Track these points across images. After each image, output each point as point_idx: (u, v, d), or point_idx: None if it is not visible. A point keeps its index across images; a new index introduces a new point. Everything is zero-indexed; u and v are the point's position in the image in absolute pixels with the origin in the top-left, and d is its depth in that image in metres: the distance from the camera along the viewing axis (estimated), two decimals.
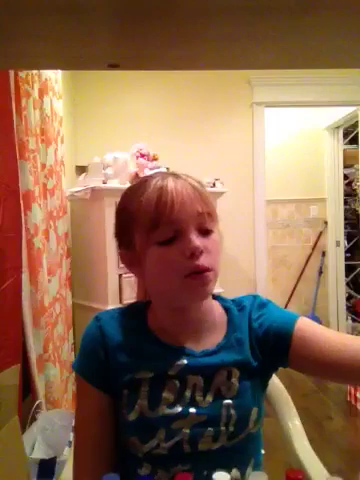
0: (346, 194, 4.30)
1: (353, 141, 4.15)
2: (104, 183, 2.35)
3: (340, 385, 2.95)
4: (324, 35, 0.71)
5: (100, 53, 0.79)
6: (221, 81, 3.20)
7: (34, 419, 1.67)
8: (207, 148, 3.24)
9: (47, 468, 1.45)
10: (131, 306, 0.83)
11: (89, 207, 2.40)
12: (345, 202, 4.27)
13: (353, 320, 4.16)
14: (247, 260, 3.36)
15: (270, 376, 0.82)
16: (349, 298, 4.34)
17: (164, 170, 2.30)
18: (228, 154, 3.29)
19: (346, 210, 4.28)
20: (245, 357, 0.74)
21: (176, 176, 0.71)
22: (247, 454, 0.75)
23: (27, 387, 1.71)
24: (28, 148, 1.72)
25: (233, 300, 0.82)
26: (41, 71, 1.90)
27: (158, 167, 2.42)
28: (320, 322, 3.95)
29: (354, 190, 4.36)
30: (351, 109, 3.63)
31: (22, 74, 1.68)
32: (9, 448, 1.20)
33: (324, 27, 0.67)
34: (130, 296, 2.22)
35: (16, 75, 1.63)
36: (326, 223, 4.21)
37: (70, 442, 1.57)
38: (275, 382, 1.03)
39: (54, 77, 2.14)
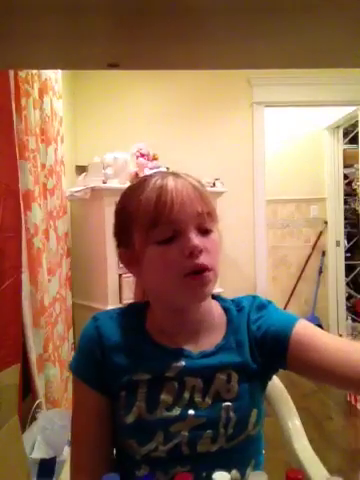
0: (346, 194, 4.29)
1: (353, 141, 4.14)
2: (104, 183, 2.35)
3: None
4: (324, 35, 0.71)
5: (100, 53, 0.79)
6: (221, 81, 3.19)
7: (34, 419, 1.67)
8: (207, 148, 3.24)
9: (47, 468, 1.45)
10: (130, 306, 0.82)
11: (89, 207, 2.40)
12: (345, 202, 4.26)
13: (353, 320, 4.16)
14: (247, 260, 3.35)
15: (270, 378, 0.82)
16: (349, 298, 4.34)
17: (164, 170, 2.30)
18: (228, 154, 3.28)
19: (346, 210, 4.28)
20: (245, 360, 0.73)
21: (176, 175, 0.71)
22: (247, 455, 0.74)
23: (27, 387, 1.71)
24: (28, 148, 1.72)
25: (232, 300, 0.81)
26: (41, 71, 1.90)
27: (158, 167, 2.42)
28: (320, 323, 3.96)
29: (354, 190, 4.36)
30: (351, 109, 3.63)
31: (22, 74, 1.68)
32: (9, 448, 1.20)
33: (324, 27, 0.67)
34: (130, 296, 2.18)
35: (16, 75, 1.63)
36: (326, 223, 4.20)
37: (70, 442, 1.56)
38: (275, 382, 1.02)
39: (54, 77, 2.14)
